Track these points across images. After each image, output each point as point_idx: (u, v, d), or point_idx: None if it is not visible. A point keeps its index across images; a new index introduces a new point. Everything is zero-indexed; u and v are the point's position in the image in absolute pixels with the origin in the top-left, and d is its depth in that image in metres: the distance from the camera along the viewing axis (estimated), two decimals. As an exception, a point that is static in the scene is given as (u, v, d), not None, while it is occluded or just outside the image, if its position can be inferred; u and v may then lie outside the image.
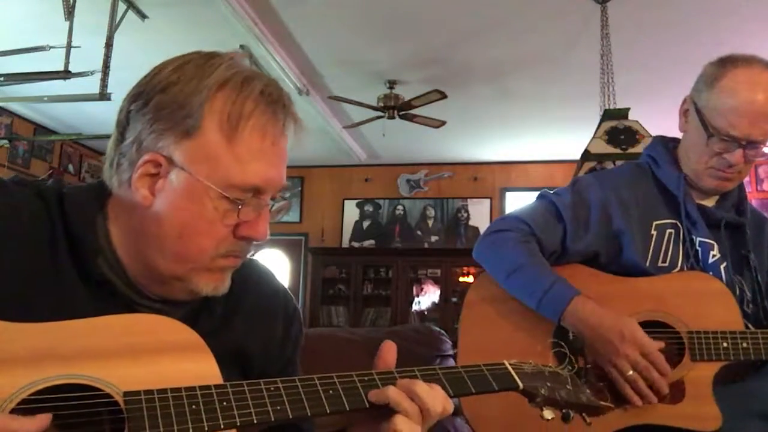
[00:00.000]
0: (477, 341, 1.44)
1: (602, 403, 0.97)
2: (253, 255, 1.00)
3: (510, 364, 0.93)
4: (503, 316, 1.41)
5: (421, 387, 0.81)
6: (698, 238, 1.39)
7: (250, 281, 0.95)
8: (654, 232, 1.41)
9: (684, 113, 1.42)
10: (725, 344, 1.27)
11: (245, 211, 0.80)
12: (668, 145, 1.49)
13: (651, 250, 1.39)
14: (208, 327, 0.84)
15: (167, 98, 0.78)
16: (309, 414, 0.76)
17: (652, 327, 1.31)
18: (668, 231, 1.41)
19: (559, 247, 1.42)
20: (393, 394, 0.80)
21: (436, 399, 0.81)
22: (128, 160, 0.80)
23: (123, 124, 0.81)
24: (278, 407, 0.74)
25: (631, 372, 1.25)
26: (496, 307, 1.43)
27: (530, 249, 1.39)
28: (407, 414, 0.79)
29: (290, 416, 0.74)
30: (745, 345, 1.27)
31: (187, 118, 0.78)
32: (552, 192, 1.49)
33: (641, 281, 1.37)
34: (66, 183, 0.87)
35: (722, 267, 1.37)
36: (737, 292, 1.37)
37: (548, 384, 0.92)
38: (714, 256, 1.38)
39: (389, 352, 0.89)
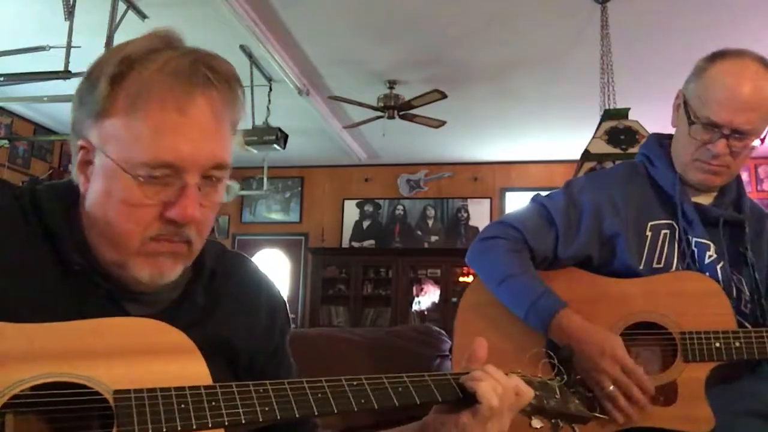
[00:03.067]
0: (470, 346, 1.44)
1: (591, 413, 0.97)
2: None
3: None
4: (496, 322, 1.41)
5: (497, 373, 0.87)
6: (694, 239, 1.37)
7: (232, 273, 0.93)
8: (649, 233, 1.39)
9: (676, 108, 1.41)
10: (717, 344, 1.26)
11: (165, 191, 0.77)
12: (664, 143, 1.47)
13: (646, 252, 1.38)
14: (190, 317, 0.83)
15: (86, 82, 0.79)
16: (297, 415, 0.76)
17: (645, 328, 1.30)
18: (663, 232, 1.39)
19: (551, 253, 1.41)
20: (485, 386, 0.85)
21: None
22: (74, 151, 0.81)
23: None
24: (266, 408, 0.75)
25: (611, 387, 1.25)
26: (490, 312, 1.42)
27: (520, 258, 1.38)
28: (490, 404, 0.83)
29: (278, 417, 0.75)
30: (737, 344, 1.25)
31: (98, 99, 0.77)
32: (544, 195, 1.48)
33: (634, 282, 1.36)
34: (41, 182, 0.87)
35: (719, 267, 1.35)
36: (735, 291, 1.35)
37: (537, 393, 0.92)
38: (710, 256, 1.36)
39: (481, 348, 0.93)
